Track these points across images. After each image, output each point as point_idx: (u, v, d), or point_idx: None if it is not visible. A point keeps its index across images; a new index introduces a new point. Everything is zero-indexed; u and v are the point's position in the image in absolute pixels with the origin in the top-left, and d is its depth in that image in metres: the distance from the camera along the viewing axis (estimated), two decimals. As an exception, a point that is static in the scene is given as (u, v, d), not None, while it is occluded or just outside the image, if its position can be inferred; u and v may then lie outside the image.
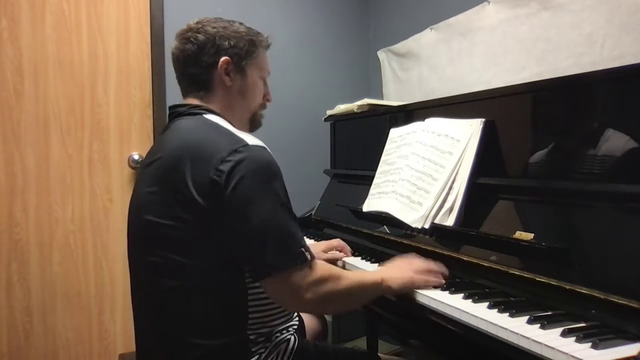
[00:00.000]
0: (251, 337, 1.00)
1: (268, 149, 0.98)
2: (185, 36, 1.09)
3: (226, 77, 1.10)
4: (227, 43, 1.09)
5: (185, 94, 1.14)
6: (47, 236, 2.09)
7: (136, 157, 2.22)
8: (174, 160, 0.96)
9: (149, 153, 1.12)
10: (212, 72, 1.09)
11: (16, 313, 2.04)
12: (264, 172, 0.93)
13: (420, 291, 1.08)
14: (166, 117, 2.37)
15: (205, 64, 1.09)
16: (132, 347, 1.13)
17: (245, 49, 1.12)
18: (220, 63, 1.09)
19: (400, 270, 1.09)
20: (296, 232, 0.95)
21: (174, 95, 2.29)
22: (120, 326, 2.23)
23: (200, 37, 1.08)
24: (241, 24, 1.16)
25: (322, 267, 0.97)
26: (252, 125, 1.21)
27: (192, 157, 0.94)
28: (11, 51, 2.01)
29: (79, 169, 2.14)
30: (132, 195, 1.11)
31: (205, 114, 1.07)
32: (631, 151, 0.98)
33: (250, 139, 0.97)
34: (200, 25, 1.10)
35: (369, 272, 1.07)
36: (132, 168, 2.22)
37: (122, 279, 2.23)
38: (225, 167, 0.90)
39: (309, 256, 0.94)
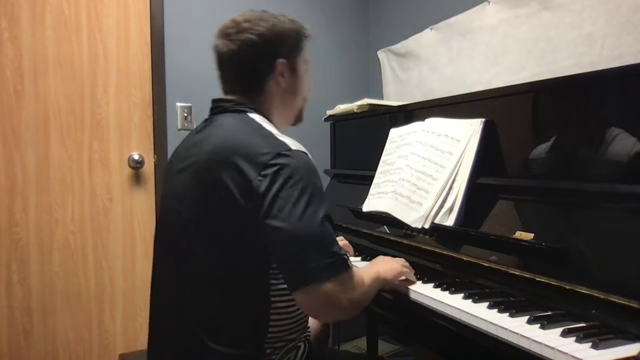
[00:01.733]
0: (267, 350, 1.00)
1: (309, 154, 0.97)
2: (239, 37, 1.05)
3: (281, 79, 1.09)
4: (281, 43, 1.08)
5: (228, 92, 1.11)
6: (47, 236, 2.09)
7: (136, 157, 2.22)
8: (215, 159, 0.95)
9: (182, 148, 1.09)
10: (268, 75, 1.08)
11: (16, 313, 2.04)
12: (307, 178, 0.92)
13: (420, 291, 1.08)
14: (166, 118, 2.39)
15: (262, 67, 1.07)
16: (132, 347, 1.13)
17: (296, 45, 1.11)
18: (277, 65, 1.07)
19: (389, 263, 1.14)
20: (335, 238, 0.93)
21: (174, 95, 2.30)
22: (120, 326, 2.23)
23: (256, 39, 1.05)
24: (284, 16, 1.12)
25: (354, 271, 0.95)
26: (297, 120, 1.21)
27: (234, 157, 0.92)
28: (11, 51, 2.01)
29: (79, 169, 2.14)
30: (164, 192, 1.09)
31: (250, 112, 1.05)
32: (631, 151, 0.98)
33: (293, 144, 0.96)
34: (251, 25, 1.06)
35: (365, 268, 1.08)
36: (132, 168, 2.22)
37: (122, 279, 2.23)
38: (269, 171, 0.89)
39: (350, 263, 0.92)
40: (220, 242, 0.95)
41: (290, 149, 0.94)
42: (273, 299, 0.99)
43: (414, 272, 1.17)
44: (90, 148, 2.16)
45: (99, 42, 2.15)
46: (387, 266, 1.12)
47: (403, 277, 1.15)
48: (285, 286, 0.97)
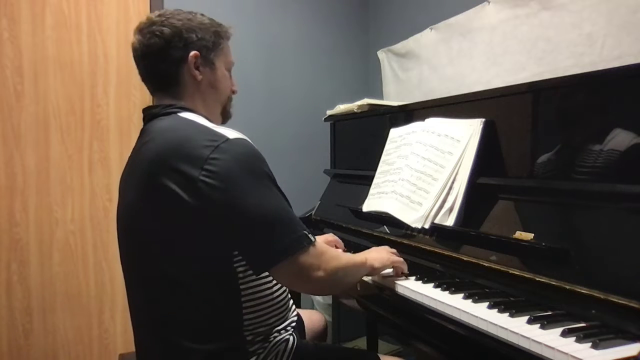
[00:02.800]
0: (248, 338, 1.00)
1: (248, 139, 0.97)
2: (149, 30, 1.04)
3: (196, 72, 1.07)
4: (194, 36, 1.06)
5: (154, 92, 1.10)
6: (47, 236, 2.09)
7: (136, 157, 2.22)
8: (155, 164, 0.94)
9: (129, 160, 1.08)
10: (181, 67, 1.05)
11: (16, 313, 2.04)
12: (252, 163, 0.93)
13: (420, 291, 1.08)
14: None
15: (174, 58, 1.04)
16: (132, 347, 1.13)
17: (212, 41, 1.09)
18: (189, 57, 1.05)
19: (379, 252, 1.19)
20: (294, 215, 0.96)
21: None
22: (120, 326, 2.23)
23: (167, 30, 1.03)
24: (203, 15, 1.11)
25: (324, 246, 1.00)
26: (224, 118, 1.19)
27: (174, 158, 0.91)
28: (11, 51, 2.01)
29: (79, 169, 2.14)
30: (119, 205, 1.08)
31: (180, 112, 1.04)
32: (631, 151, 0.98)
33: (230, 133, 0.95)
34: (164, 18, 1.05)
35: (352, 254, 1.15)
36: (132, 168, 2.23)
37: (122, 279, 2.20)
38: (212, 166, 0.89)
39: (312, 237, 0.96)
40: (179, 244, 0.94)
41: (228, 139, 0.92)
42: (242, 286, 0.99)
43: (406, 265, 1.21)
44: (90, 148, 2.16)
45: (99, 42, 2.15)
46: (376, 255, 1.16)
47: (390, 271, 1.19)
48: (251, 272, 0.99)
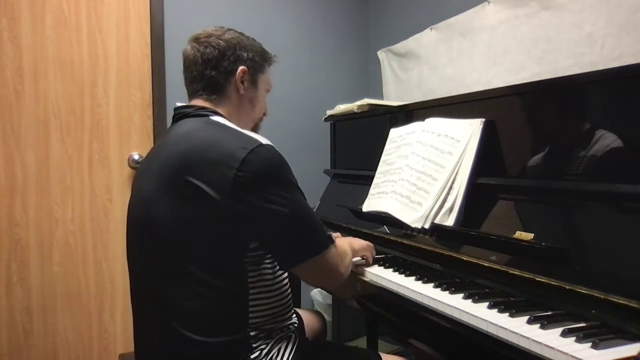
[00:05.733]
0: (252, 333, 1.02)
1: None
2: (207, 40, 1.13)
3: (241, 85, 1.15)
4: (245, 54, 1.16)
5: (193, 96, 1.16)
6: (47, 236, 2.09)
7: (136, 157, 2.22)
8: (184, 159, 0.97)
9: (151, 153, 1.13)
10: (229, 78, 1.14)
11: (16, 313, 2.04)
12: (284, 169, 1.00)
13: (420, 291, 1.08)
14: (166, 118, 2.39)
15: (224, 69, 1.13)
16: (132, 347, 1.13)
17: (259, 62, 1.20)
18: (238, 71, 1.14)
19: (357, 240, 1.32)
20: (318, 218, 1.05)
21: (174, 95, 2.30)
22: (120, 326, 2.23)
23: (223, 43, 1.13)
24: (255, 40, 1.22)
25: (340, 245, 1.10)
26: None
27: (204, 156, 0.95)
28: (11, 51, 2.01)
29: (79, 169, 2.14)
30: (133, 195, 1.11)
31: (212, 115, 1.09)
32: (631, 151, 0.98)
33: (262, 139, 1.00)
34: (221, 33, 1.15)
35: (344, 241, 1.23)
36: (132, 168, 2.22)
37: (122, 279, 2.23)
38: (248, 167, 0.93)
39: (332, 238, 1.06)
40: (193, 240, 0.96)
41: (261, 144, 0.98)
42: (250, 285, 1.02)
43: (374, 256, 1.34)
44: (90, 148, 2.16)
45: (99, 42, 2.15)
46: (355, 239, 1.30)
47: (359, 258, 1.30)
48: (266, 271, 1.05)
